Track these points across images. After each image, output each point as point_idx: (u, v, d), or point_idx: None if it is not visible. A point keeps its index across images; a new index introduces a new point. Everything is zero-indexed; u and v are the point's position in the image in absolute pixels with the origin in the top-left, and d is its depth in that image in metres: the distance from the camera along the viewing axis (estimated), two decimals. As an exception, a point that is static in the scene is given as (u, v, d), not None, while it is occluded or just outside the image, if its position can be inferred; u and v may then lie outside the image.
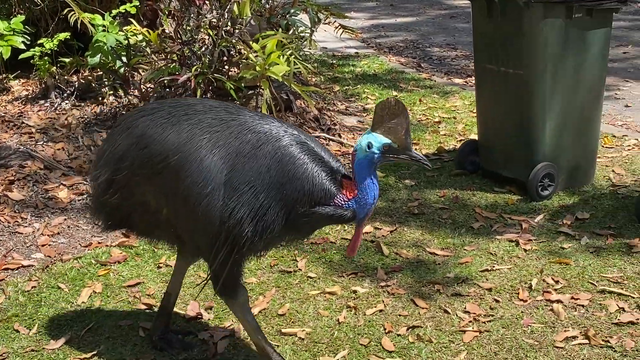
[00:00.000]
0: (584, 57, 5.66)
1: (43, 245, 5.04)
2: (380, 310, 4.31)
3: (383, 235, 5.18)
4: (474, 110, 7.10)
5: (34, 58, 6.87)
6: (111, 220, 3.73)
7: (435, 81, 9.08)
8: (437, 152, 6.71)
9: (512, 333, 4.09)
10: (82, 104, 6.90)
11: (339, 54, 10.34)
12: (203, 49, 6.60)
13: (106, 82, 6.93)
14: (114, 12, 6.90)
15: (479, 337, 4.05)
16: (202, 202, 3.30)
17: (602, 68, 5.83)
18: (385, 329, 4.12)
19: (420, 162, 3.35)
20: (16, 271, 4.74)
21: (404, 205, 5.66)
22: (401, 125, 3.25)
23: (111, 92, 6.90)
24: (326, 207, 3.35)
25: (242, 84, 6.41)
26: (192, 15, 6.66)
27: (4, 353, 3.91)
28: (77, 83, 7.07)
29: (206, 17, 6.64)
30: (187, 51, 6.49)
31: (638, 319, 4.17)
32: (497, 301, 4.39)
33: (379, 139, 3.28)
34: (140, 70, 6.87)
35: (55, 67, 7.03)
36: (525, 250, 4.96)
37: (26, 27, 6.85)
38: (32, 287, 4.53)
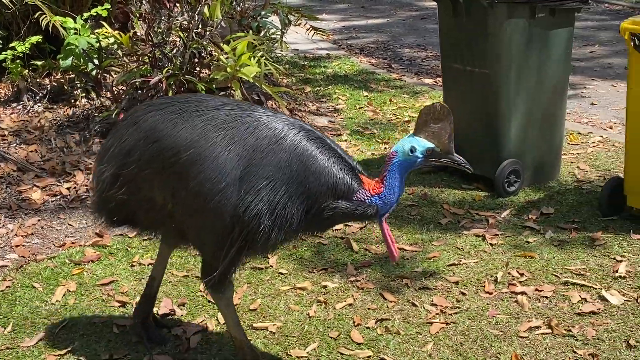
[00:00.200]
0: (548, 56, 5.77)
1: (17, 246, 5.08)
2: (350, 304, 4.40)
3: (353, 232, 5.27)
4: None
5: (6, 61, 6.88)
6: (116, 217, 3.69)
7: (405, 81, 9.18)
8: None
9: (477, 324, 4.19)
10: (55, 107, 6.92)
11: (311, 55, 10.43)
12: (174, 51, 6.65)
13: (78, 85, 6.96)
14: (86, 15, 6.93)
15: (446, 329, 4.15)
16: (214, 198, 3.28)
17: (566, 67, 5.96)
18: (354, 322, 4.21)
19: (462, 166, 3.40)
20: (-10, 272, 4.78)
21: (373, 202, 5.74)
22: (445, 130, 3.30)
23: (83, 94, 6.92)
24: (348, 202, 3.38)
25: (214, 85, 6.46)
26: (163, 17, 6.71)
27: (-21, 351, 3.96)
28: (49, 86, 7.10)
29: (177, 20, 6.70)
30: (158, 53, 6.54)
31: (599, 309, 4.29)
32: (463, 294, 4.49)
33: (422, 143, 3.33)
34: (112, 73, 6.91)
35: (27, 70, 7.04)
36: (491, 244, 5.07)
37: (-2, 30, 6.88)
38: (7, 287, 4.57)
